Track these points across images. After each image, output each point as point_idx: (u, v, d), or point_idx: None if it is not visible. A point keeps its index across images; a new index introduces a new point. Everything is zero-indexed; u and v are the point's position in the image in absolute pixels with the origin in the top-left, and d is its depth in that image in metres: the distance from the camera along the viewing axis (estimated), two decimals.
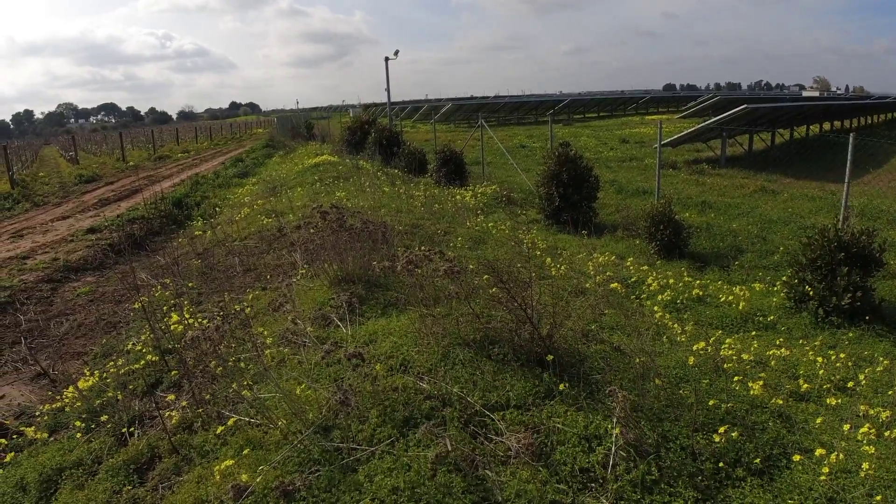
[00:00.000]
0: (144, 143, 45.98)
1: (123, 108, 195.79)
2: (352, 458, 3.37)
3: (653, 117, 52.33)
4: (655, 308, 7.31)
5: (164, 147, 41.14)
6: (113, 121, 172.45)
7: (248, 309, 6.42)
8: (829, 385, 5.19)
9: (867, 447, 3.61)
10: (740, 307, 7.37)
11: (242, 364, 4.75)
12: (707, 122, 21.77)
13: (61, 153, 45.99)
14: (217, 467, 3.44)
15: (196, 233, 12.20)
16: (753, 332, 6.83)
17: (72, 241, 12.15)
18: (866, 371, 5.45)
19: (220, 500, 3.20)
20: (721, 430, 3.54)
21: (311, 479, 3.23)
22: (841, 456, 3.45)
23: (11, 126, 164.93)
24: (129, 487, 3.77)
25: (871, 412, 4.41)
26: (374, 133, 22.53)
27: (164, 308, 7.04)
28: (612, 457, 3.29)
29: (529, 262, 5.51)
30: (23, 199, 18.30)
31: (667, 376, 4.33)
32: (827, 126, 31.48)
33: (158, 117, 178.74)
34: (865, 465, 3.33)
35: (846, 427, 4.01)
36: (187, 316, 6.23)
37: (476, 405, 3.77)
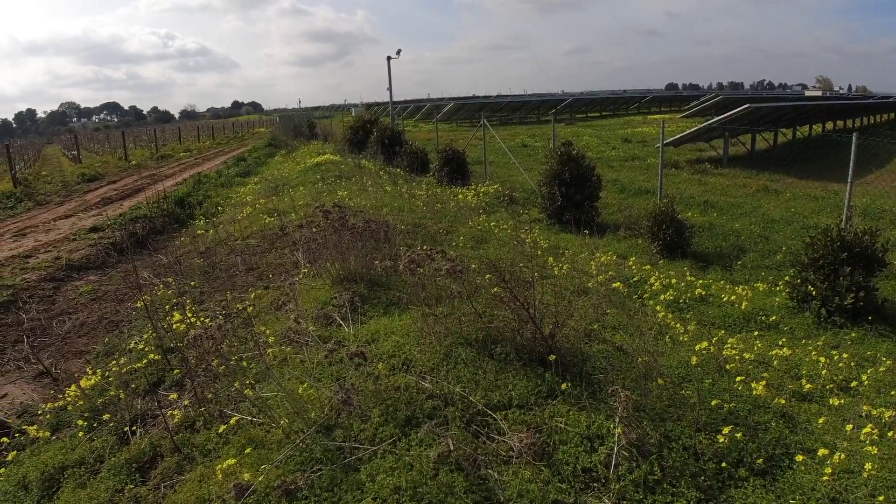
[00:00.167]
0: (147, 143, 46.01)
1: (126, 108, 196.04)
2: (354, 457, 3.37)
3: (655, 117, 52.26)
4: (658, 308, 7.31)
5: (167, 146, 41.17)
6: (115, 120, 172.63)
7: (251, 308, 6.42)
8: (831, 385, 5.17)
9: (870, 447, 3.60)
10: (743, 307, 7.36)
11: (245, 363, 4.75)
12: (709, 122, 21.72)
13: (64, 152, 46.04)
14: (219, 466, 3.44)
15: (198, 232, 12.22)
16: (756, 332, 6.82)
17: (74, 240, 12.16)
18: (869, 371, 5.44)
19: (222, 499, 3.21)
20: (725, 430, 3.53)
21: (313, 478, 3.23)
22: (843, 456, 3.44)
23: (14, 125, 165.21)
24: (132, 486, 3.77)
25: (874, 412, 4.40)
26: (376, 132, 22.51)
27: (167, 307, 7.05)
28: (614, 456, 3.28)
29: (532, 261, 5.51)
30: (25, 198, 18.32)
31: (669, 376, 4.32)
32: (829, 126, 31.40)
33: (161, 116, 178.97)
34: (868, 466, 3.32)
35: (849, 427, 4.00)
36: (189, 315, 6.23)
37: (478, 405, 3.76)
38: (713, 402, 3.90)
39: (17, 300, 8.53)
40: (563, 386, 3.88)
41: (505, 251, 7.99)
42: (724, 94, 59.33)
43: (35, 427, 4.85)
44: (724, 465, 3.37)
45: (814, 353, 5.91)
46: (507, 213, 13.24)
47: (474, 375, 4.07)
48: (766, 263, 9.78)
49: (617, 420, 3.46)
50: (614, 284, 7.66)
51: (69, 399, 5.06)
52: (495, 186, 15.64)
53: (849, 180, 8.53)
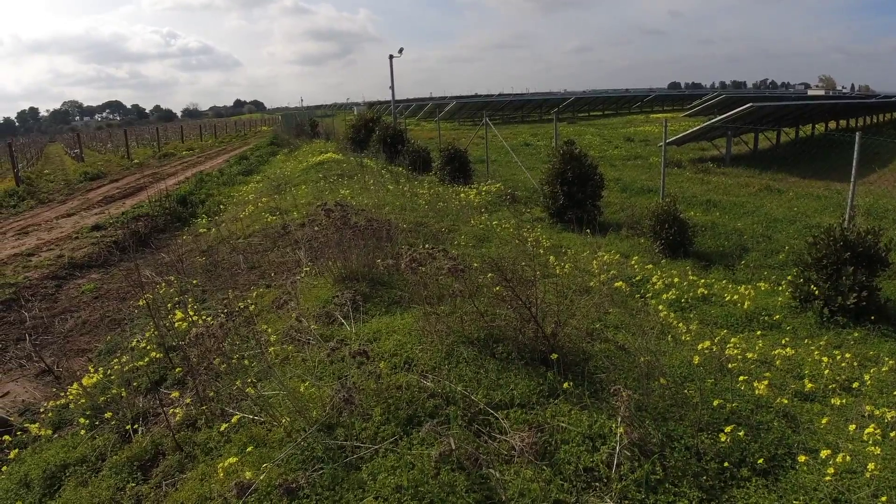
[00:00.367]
0: (149, 141, 46.10)
1: (128, 106, 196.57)
2: (355, 456, 3.37)
3: (657, 116, 52.19)
4: (660, 307, 7.30)
5: (169, 145, 41.26)
6: (118, 118, 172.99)
7: (252, 306, 6.43)
8: (834, 385, 5.16)
9: (872, 448, 3.59)
10: (745, 306, 7.34)
11: (246, 361, 4.75)
12: (712, 121, 21.70)
13: (66, 151, 46.11)
14: (221, 465, 3.44)
15: (200, 230, 12.24)
16: (758, 332, 6.81)
17: (77, 239, 12.17)
18: (872, 371, 5.43)
19: (224, 497, 3.20)
20: (727, 430, 3.52)
21: (315, 477, 3.23)
22: (846, 457, 3.43)
23: (17, 123, 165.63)
24: (133, 484, 3.77)
25: (877, 412, 4.39)
26: (378, 131, 22.52)
27: (169, 305, 7.05)
28: (616, 456, 3.27)
29: (534, 260, 5.50)
30: (28, 197, 18.35)
31: (671, 375, 4.31)
32: (832, 125, 31.35)
33: (163, 115, 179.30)
34: (871, 466, 3.31)
35: (851, 427, 3.99)
36: (191, 313, 6.24)
37: (480, 403, 3.76)
38: (715, 402, 3.89)
39: (19, 298, 8.54)
40: (565, 385, 3.87)
41: (507, 250, 7.98)
42: (727, 94, 59.25)
43: (37, 425, 4.86)
44: (726, 464, 3.36)
45: (816, 352, 5.89)
46: (509, 211, 13.23)
47: (476, 374, 4.07)
48: (768, 263, 9.77)
49: (619, 419, 3.45)
50: (616, 284, 7.65)
51: (71, 397, 5.07)
52: (497, 185, 15.63)
53: (852, 179, 8.51)
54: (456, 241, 8.97)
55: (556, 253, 9.21)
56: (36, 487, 3.98)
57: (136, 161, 29.31)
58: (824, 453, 3.48)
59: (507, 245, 8.73)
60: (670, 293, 7.78)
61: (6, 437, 4.73)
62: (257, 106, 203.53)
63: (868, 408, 4.47)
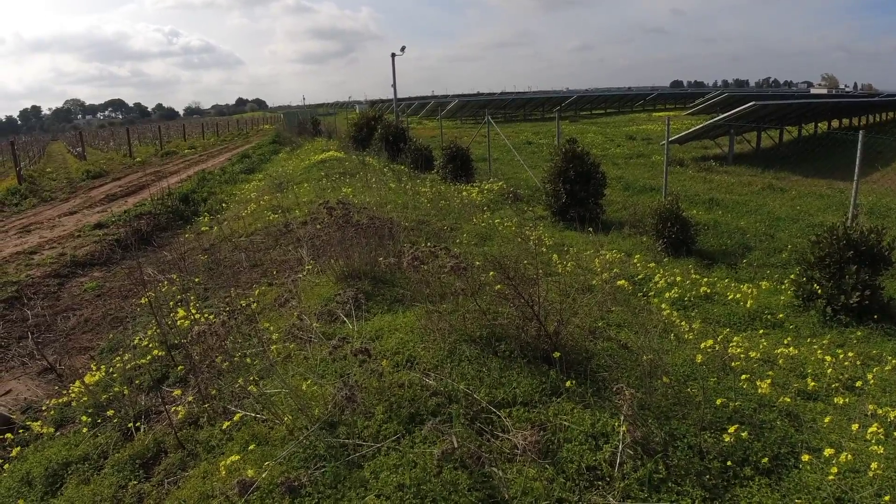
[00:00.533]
0: (151, 140, 46.14)
1: (130, 105, 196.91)
2: (357, 454, 3.36)
3: (660, 114, 52.10)
4: (663, 305, 7.28)
5: (171, 143, 41.27)
6: (120, 117, 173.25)
7: (255, 304, 6.43)
8: (837, 384, 5.15)
9: (876, 447, 3.58)
10: (748, 305, 7.33)
11: (248, 359, 4.75)
12: (715, 119, 21.65)
13: (69, 149, 46.19)
14: (223, 462, 3.44)
15: (202, 228, 12.25)
16: (761, 331, 6.79)
17: (79, 237, 12.18)
18: (874, 370, 5.41)
19: (226, 495, 3.20)
20: (731, 429, 3.51)
21: (317, 475, 3.22)
22: (850, 456, 3.42)
23: (19, 122, 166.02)
24: (135, 482, 3.77)
25: (880, 412, 4.37)
26: (380, 129, 22.50)
27: (171, 303, 7.06)
28: (619, 455, 3.27)
29: (536, 258, 5.48)
30: (30, 195, 18.37)
31: (674, 374, 4.30)
32: (835, 124, 31.28)
33: (165, 114, 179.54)
34: (874, 465, 3.30)
35: (855, 427, 3.98)
36: (193, 311, 6.24)
37: (482, 402, 3.75)
38: (718, 401, 3.88)
39: (21, 296, 8.55)
40: (568, 383, 3.86)
41: (509, 248, 7.97)
42: (730, 92, 59.12)
43: (39, 423, 4.86)
44: (729, 463, 3.35)
45: (819, 351, 5.88)
46: (511, 210, 13.21)
47: (478, 373, 4.06)
48: (771, 261, 9.75)
49: (622, 418, 3.44)
50: (619, 282, 7.62)
51: (73, 395, 5.07)
52: (499, 184, 15.62)
53: (855, 178, 8.49)
54: (458, 240, 8.97)
55: (558, 251, 9.19)
56: (38, 485, 3.98)
57: (138, 159, 29.31)
58: (828, 452, 3.46)
59: (509, 243, 8.72)
60: (673, 292, 7.77)
61: (8, 435, 4.73)
62: (259, 104, 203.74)
63: (871, 407, 4.45)
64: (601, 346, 4.65)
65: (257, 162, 25.78)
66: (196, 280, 7.94)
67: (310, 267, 7.04)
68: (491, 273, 5.08)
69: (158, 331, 5.83)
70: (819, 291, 7.25)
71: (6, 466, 4.29)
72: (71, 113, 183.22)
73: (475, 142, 21.04)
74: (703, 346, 5.26)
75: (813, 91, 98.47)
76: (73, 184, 21.33)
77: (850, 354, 5.70)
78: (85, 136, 44.15)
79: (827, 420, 4.18)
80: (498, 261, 4.57)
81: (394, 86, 31.59)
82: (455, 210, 11.79)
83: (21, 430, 4.87)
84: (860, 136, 8.40)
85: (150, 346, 5.85)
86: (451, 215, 11.14)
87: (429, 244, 6.31)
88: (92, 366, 5.74)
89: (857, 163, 8.35)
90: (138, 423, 4.50)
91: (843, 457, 3.38)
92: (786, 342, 6.18)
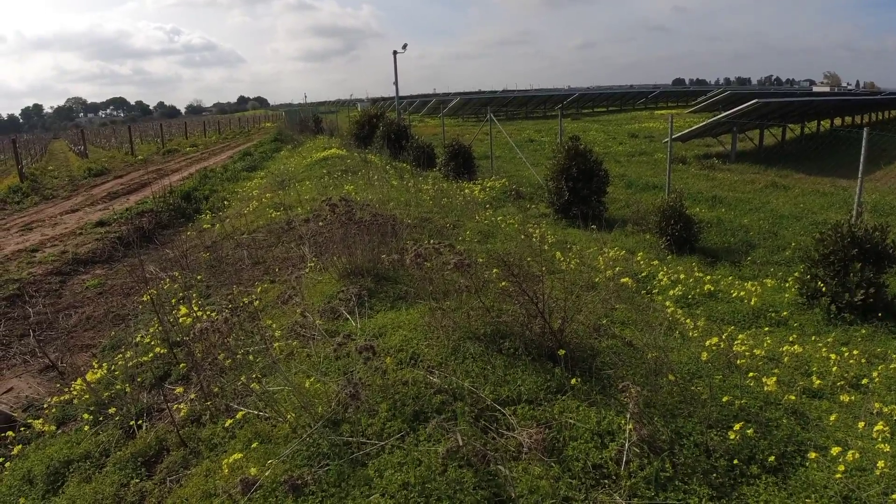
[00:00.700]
0: (153, 138, 46.16)
1: (132, 103, 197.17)
2: (361, 452, 3.34)
3: (662, 112, 52.02)
4: (667, 303, 7.26)
5: (173, 141, 41.30)
6: (122, 115, 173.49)
7: (257, 302, 6.41)
8: (842, 382, 5.13)
9: (882, 445, 3.56)
10: (752, 303, 7.31)
11: (251, 357, 4.73)
12: (717, 117, 21.59)
13: (70, 147, 46.20)
14: (225, 461, 3.42)
15: (204, 226, 12.24)
16: (766, 328, 6.77)
17: (81, 234, 12.18)
18: (879, 368, 5.39)
19: (228, 493, 3.18)
20: (736, 426, 3.49)
21: (320, 473, 3.20)
22: (856, 454, 3.39)
23: (21, 120, 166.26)
24: (137, 480, 3.75)
25: (886, 410, 4.35)
26: (382, 127, 22.47)
27: (173, 301, 7.05)
28: (625, 453, 3.24)
29: (540, 256, 5.46)
30: (32, 193, 18.37)
31: (679, 372, 4.27)
32: (838, 122, 31.20)
33: (167, 112, 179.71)
34: (881, 464, 3.28)
35: (860, 425, 3.96)
36: (196, 308, 6.22)
37: (487, 399, 3.72)
38: (724, 399, 3.86)
39: (23, 294, 8.54)
40: (573, 381, 3.84)
41: (512, 245, 7.95)
42: (732, 90, 59.02)
43: (40, 421, 4.85)
44: (735, 462, 3.32)
45: (824, 349, 5.85)
46: (513, 207, 13.19)
47: (483, 370, 4.03)
48: (774, 259, 9.72)
49: (627, 416, 3.42)
50: (622, 280, 7.60)
51: (75, 393, 5.06)
52: (502, 181, 15.60)
53: (859, 176, 8.45)
54: (461, 237, 8.94)
55: (561, 249, 9.17)
56: (39, 483, 3.97)
57: (139, 157, 29.31)
58: (834, 451, 3.44)
59: (512, 241, 8.70)
60: (676, 289, 7.75)
61: (10, 433, 4.72)
62: (261, 102, 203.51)
63: (877, 405, 4.43)
64: (606, 343, 4.63)
65: (259, 160, 25.75)
66: (198, 277, 7.92)
67: (312, 264, 7.02)
68: (494, 270, 5.06)
69: (160, 328, 5.82)
70: (823, 289, 7.23)
71: (8, 465, 4.27)
72: (73, 111, 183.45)
73: (477, 139, 21.01)
74: (708, 343, 5.23)
75: (815, 89, 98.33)
76: (75, 182, 21.33)
77: (855, 352, 5.67)
78: (87, 134, 44.22)
79: (833, 418, 4.16)
80: (502, 258, 4.55)
81: (395, 83, 31.62)
82: (457, 207, 11.77)
83: (22, 428, 4.86)
84: (864, 134, 8.37)
85: (152, 343, 5.83)
86: (454, 213, 11.11)
87: (432, 241, 6.28)
88: (94, 363, 5.73)
89: (862, 160, 8.31)
90: (140, 421, 4.48)
91: (849, 455, 3.36)
92: (790, 340, 6.15)
